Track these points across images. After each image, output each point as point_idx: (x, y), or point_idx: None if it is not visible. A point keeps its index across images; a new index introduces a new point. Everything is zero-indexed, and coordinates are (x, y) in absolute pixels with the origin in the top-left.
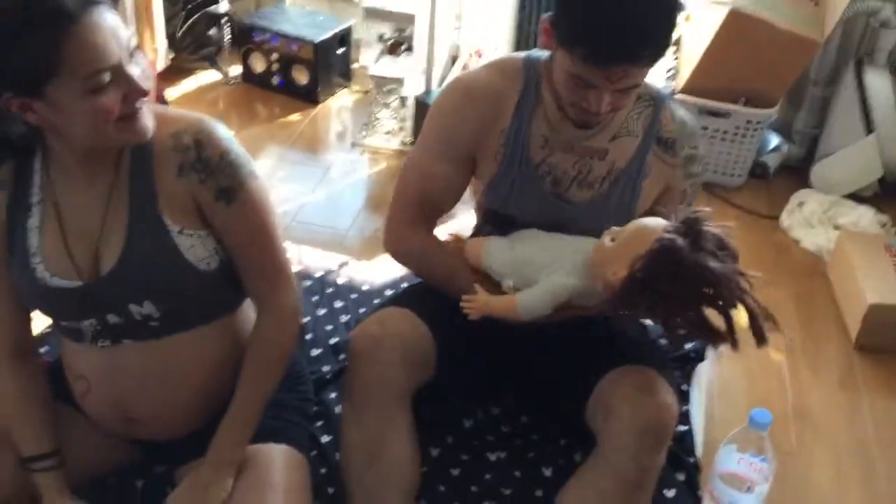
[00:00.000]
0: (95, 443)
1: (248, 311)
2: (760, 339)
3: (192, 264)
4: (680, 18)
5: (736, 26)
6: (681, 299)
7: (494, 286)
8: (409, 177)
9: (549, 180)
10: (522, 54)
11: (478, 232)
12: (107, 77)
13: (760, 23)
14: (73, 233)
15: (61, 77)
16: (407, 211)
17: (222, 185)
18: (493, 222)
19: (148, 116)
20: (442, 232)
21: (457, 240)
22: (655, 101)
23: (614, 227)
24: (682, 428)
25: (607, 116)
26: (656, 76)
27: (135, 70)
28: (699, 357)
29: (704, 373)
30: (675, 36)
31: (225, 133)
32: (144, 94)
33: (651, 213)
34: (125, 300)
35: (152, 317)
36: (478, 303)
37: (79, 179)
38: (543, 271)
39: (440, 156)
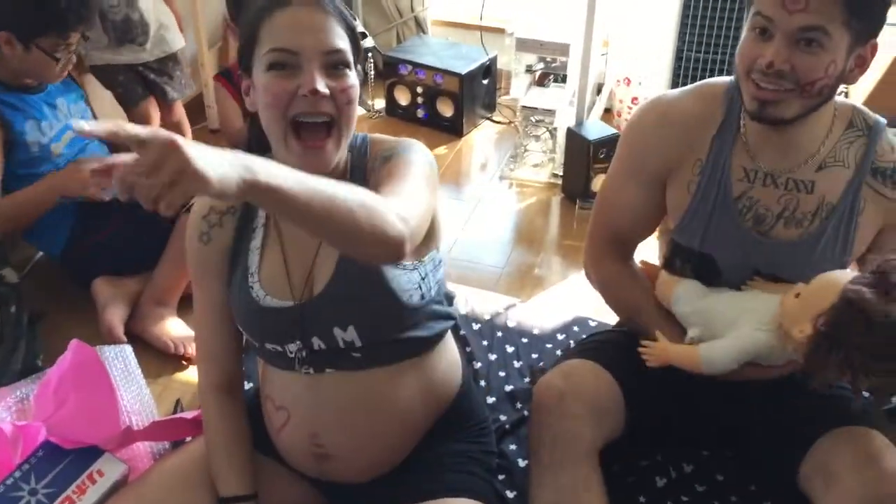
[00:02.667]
0: (283, 488)
1: (444, 356)
2: None
3: (395, 293)
4: None
5: None
6: (873, 356)
7: (679, 332)
8: (600, 203)
9: (751, 217)
10: (725, 79)
11: (665, 265)
12: (283, 58)
13: None
14: (292, 255)
15: (258, 49)
16: (598, 239)
17: (386, 154)
18: (687, 260)
19: (326, 154)
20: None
21: (649, 267)
22: (871, 129)
23: (800, 284)
24: None
25: (786, 82)
26: None
27: (322, 78)
28: None
29: None
30: (881, 16)
31: (423, 148)
32: (313, 90)
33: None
34: (331, 323)
35: (354, 345)
36: (657, 350)
37: None
38: (731, 326)
39: (629, 179)
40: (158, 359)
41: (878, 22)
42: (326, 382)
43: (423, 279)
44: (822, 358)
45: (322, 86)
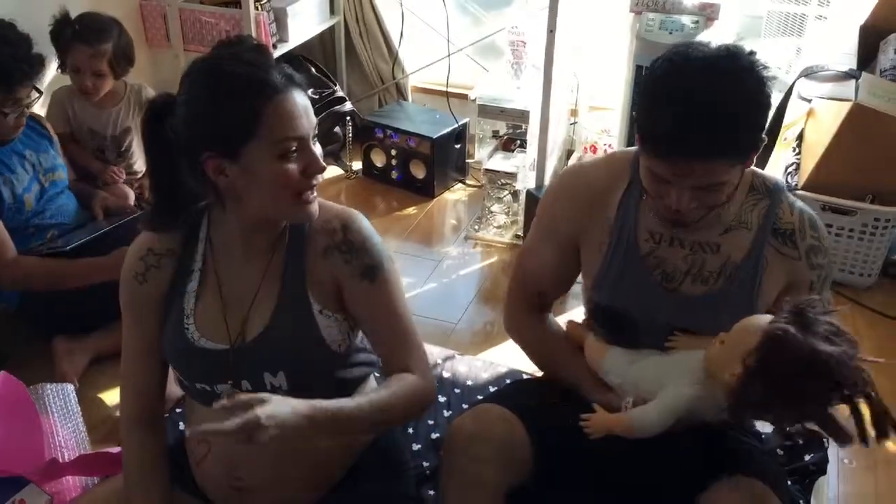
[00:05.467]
0: None
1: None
2: (882, 432)
3: (326, 343)
4: (765, 116)
5: (860, 121)
6: (799, 390)
7: (602, 384)
8: (518, 261)
9: (659, 274)
10: (633, 149)
11: (590, 325)
12: (293, 146)
13: (885, 117)
14: (229, 300)
15: (257, 138)
16: (517, 293)
17: (366, 263)
18: (605, 318)
19: (317, 203)
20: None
21: (574, 327)
22: (771, 193)
23: (722, 333)
24: None
25: (696, 214)
26: (774, 171)
27: (316, 149)
28: (820, 470)
29: (828, 488)
30: (761, 133)
31: (368, 224)
32: (322, 169)
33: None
34: (262, 368)
35: (281, 388)
36: (596, 423)
37: (239, 252)
38: (660, 388)
39: (544, 241)
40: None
41: (758, 143)
42: None
43: (351, 329)
44: (751, 398)
45: (322, 162)
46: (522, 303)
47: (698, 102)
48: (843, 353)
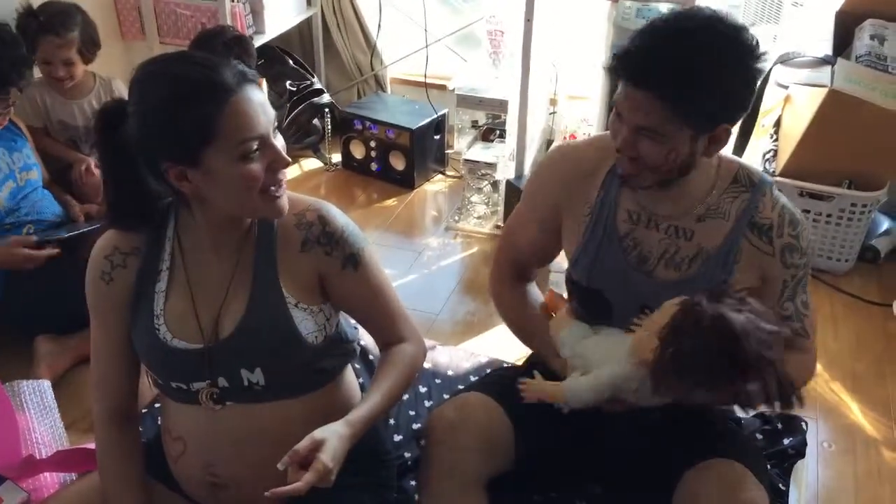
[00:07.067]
0: None
1: (343, 390)
2: (785, 402)
3: (301, 336)
4: (730, 84)
5: (835, 106)
6: (707, 359)
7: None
8: (504, 234)
9: (635, 255)
10: None
11: (570, 300)
12: (255, 145)
13: (861, 103)
14: (200, 298)
15: (216, 143)
16: (500, 260)
17: (348, 252)
18: (581, 296)
19: (286, 198)
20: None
21: (553, 297)
22: (755, 186)
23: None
24: None
25: (640, 172)
26: (752, 158)
27: (278, 141)
28: (799, 454)
29: (808, 472)
30: (723, 107)
31: (340, 212)
32: (287, 163)
33: None
34: (238, 365)
35: (258, 384)
36: (531, 388)
37: (208, 250)
38: (601, 365)
39: (528, 216)
40: None
41: (719, 115)
42: (224, 414)
43: (327, 320)
44: (664, 370)
45: (286, 155)
46: (505, 272)
47: (672, 40)
48: (748, 320)
